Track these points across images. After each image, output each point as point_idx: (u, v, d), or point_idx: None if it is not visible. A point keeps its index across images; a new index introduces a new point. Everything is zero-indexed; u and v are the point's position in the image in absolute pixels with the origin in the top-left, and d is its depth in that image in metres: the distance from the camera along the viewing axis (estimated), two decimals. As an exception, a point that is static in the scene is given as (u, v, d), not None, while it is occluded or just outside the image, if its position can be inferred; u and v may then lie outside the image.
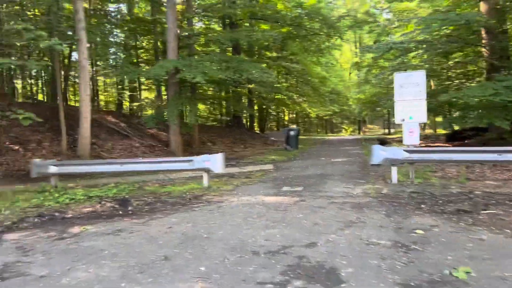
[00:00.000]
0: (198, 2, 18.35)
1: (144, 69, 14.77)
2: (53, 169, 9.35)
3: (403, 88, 8.57)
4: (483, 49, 12.90)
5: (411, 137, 8.62)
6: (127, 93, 30.03)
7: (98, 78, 28.29)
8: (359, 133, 54.27)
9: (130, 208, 7.36)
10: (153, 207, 7.40)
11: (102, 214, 6.97)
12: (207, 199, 7.84)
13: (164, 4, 16.53)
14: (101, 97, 32.77)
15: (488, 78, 12.55)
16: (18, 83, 24.87)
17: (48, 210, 7.38)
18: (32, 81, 24.64)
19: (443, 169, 10.34)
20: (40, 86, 23.22)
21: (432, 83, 23.43)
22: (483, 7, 13.23)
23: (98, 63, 27.68)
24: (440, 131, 40.38)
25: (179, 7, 20.13)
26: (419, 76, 8.44)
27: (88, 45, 14.82)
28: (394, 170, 8.48)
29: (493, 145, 10.65)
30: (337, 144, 25.04)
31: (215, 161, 8.80)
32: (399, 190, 7.84)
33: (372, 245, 4.54)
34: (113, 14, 24.58)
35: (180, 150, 15.70)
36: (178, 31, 15.68)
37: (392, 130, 46.68)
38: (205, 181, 9.04)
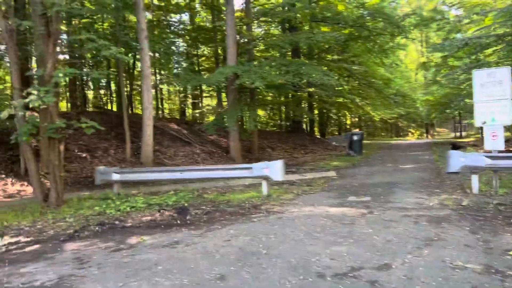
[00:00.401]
0: (257, 8, 18.12)
1: (205, 76, 14.80)
2: (115, 177, 9.48)
3: (484, 88, 7.61)
4: None
5: (494, 141, 7.63)
6: (190, 100, 30.70)
7: (161, 86, 29.20)
8: (426, 136, 51.37)
9: (188, 217, 7.17)
10: (211, 216, 7.14)
11: (160, 224, 6.83)
12: (267, 208, 7.45)
13: (224, 11, 16.54)
14: (165, 105, 33.78)
15: None
16: (90, 93, 26.35)
17: (109, 218, 7.40)
18: (102, 91, 25.95)
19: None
20: (108, 95, 24.33)
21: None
22: None
23: (161, 72, 28.59)
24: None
25: (238, 14, 20.19)
26: (503, 74, 7.45)
27: (151, 54, 15.21)
28: (474, 178, 7.55)
29: None
30: (404, 148, 23.64)
31: (275, 169, 8.40)
32: (482, 201, 6.93)
33: (458, 269, 3.87)
34: (176, 24, 25.23)
35: (240, 156, 15.52)
36: (237, 37, 15.57)
37: (463, 134, 43.54)
38: (265, 189, 8.67)
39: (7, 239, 6.28)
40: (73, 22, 13.60)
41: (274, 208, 7.42)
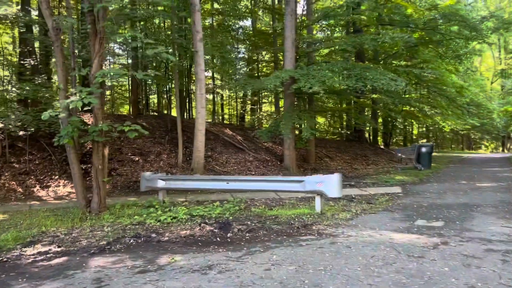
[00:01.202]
0: (321, 11, 17.14)
1: (261, 80, 14.10)
2: (161, 184, 9.02)
3: None
4: None
5: None
6: (249, 106, 30.29)
7: (220, 91, 29.09)
8: (502, 151, 47.03)
9: (229, 234, 6.43)
10: (255, 235, 6.35)
11: (198, 240, 6.16)
12: (319, 229, 6.51)
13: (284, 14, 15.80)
14: (225, 110, 33.67)
15: None
16: (154, 98, 26.81)
17: (147, 229, 6.88)
18: (164, 95, 26.29)
19: None
20: (167, 99, 24.49)
21: None
22: None
23: (220, 77, 28.49)
24: None
25: (298, 17, 19.38)
26: None
27: (207, 57, 14.83)
28: None
29: None
30: (479, 163, 21.34)
31: (330, 183, 7.43)
32: None
33: None
34: (237, 28, 24.96)
35: (294, 166, 14.62)
36: (296, 39, 14.75)
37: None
38: (318, 206, 7.72)
39: (38, 248, 5.93)
40: (128, 24, 13.56)
41: (327, 230, 6.47)
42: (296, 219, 7.29)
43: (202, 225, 6.97)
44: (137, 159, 13.62)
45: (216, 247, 5.69)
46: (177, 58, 8.83)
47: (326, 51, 26.84)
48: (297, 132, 16.63)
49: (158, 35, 14.79)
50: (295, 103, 15.55)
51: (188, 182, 9.22)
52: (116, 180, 12.44)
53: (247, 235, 6.37)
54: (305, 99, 15.48)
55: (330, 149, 20.95)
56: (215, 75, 27.47)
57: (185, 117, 21.02)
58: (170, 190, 9.94)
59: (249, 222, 7.20)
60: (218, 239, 6.20)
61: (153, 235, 6.54)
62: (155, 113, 21.96)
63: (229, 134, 17.61)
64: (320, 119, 35.55)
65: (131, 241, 6.20)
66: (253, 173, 13.95)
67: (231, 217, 7.65)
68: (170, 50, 8.44)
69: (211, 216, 7.72)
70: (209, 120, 23.10)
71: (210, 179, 8.89)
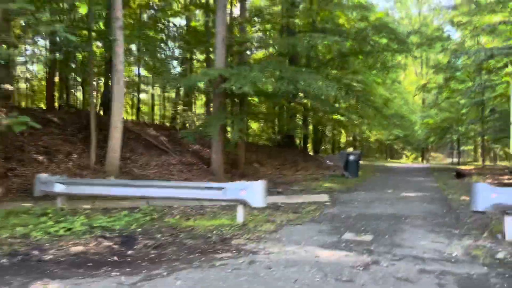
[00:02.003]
0: (255, 8, 16.48)
1: (190, 77, 13.07)
2: (59, 188, 7.66)
3: (527, 104, 5.98)
4: None
5: (537, 175, 5.95)
6: (181, 107, 28.94)
7: (150, 91, 27.43)
8: (422, 161, 49.96)
9: (131, 251, 5.38)
10: (162, 252, 5.35)
11: (90, 259, 5.03)
12: (238, 245, 5.67)
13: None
14: (157, 111, 31.87)
15: None
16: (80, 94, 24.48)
17: (29, 245, 5.59)
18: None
19: None
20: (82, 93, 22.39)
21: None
22: None
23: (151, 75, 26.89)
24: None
25: (233, 17, 18.66)
26: (554, 88, 5.82)
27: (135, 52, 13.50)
28: (508, 221, 5.85)
29: None
30: (403, 173, 22.00)
31: (254, 191, 6.65)
32: (523, 254, 5.22)
33: None
34: (170, 26, 23.60)
35: (222, 171, 13.76)
36: (228, 37, 13.95)
37: (456, 160, 41.91)
38: (240, 216, 6.89)
39: None
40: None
41: (247, 245, 5.64)
42: (215, 232, 6.39)
43: (99, 240, 5.82)
44: (41, 158, 11.92)
45: (109, 269, 4.61)
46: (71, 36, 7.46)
47: (261, 55, 26.44)
48: (229, 135, 15.81)
49: (70, 19, 13.16)
50: (226, 104, 14.77)
51: (93, 187, 7.95)
52: (12, 182, 10.69)
53: (152, 252, 5.36)
54: (235, 100, 14.71)
55: (261, 154, 20.39)
56: (147, 74, 25.86)
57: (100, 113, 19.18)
58: (70, 197, 8.57)
59: (159, 236, 6.17)
60: (115, 257, 5.11)
61: (35, 252, 5.29)
62: (70, 108, 19.93)
63: (153, 134, 16.31)
64: (254, 125, 35.15)
65: (3, 260, 4.92)
66: (176, 177, 12.85)
67: (139, 229, 6.57)
68: (66, 28, 7.13)
69: (115, 227, 6.58)
70: (132, 119, 21.52)
71: (119, 184, 7.70)
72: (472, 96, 26.70)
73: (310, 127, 34.67)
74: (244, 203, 6.82)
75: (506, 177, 16.55)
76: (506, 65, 13.00)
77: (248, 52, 24.37)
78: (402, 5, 55.15)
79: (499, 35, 17.75)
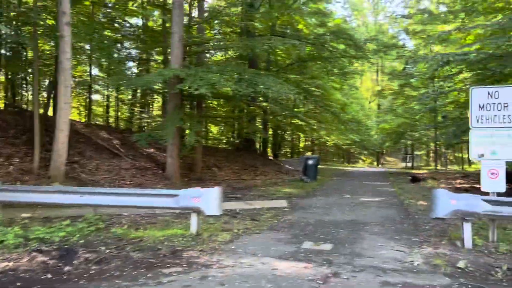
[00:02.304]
0: (212, 11, 15.99)
1: (144, 77, 12.38)
2: (-9, 195, 6.88)
3: (484, 111, 5.96)
4: None
5: (494, 181, 5.94)
6: (137, 109, 27.93)
7: (105, 92, 26.22)
8: (377, 165, 51.26)
9: (68, 267, 4.81)
10: (105, 268, 4.83)
11: (20, 277, 4.44)
12: (190, 258, 5.23)
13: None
14: (112, 112, 30.57)
15: None
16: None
17: None
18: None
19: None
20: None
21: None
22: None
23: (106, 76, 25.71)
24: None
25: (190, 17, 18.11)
26: (509, 94, 5.82)
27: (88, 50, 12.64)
28: (467, 228, 5.78)
29: None
30: (360, 177, 22.24)
31: (209, 199, 6.23)
32: (482, 262, 5.13)
33: None
34: (126, 26, 22.62)
35: (177, 176, 13.19)
36: (185, 37, 13.46)
37: (409, 164, 43.37)
38: (193, 225, 6.44)
39: None
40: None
41: (200, 258, 5.21)
42: (165, 243, 5.92)
43: (33, 254, 5.19)
44: (-24, 162, 10.89)
45: (40, 290, 4.05)
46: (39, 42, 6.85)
47: (220, 57, 26.02)
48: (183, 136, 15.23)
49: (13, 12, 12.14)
50: (183, 106, 14.26)
51: (33, 193, 7.21)
52: None
53: (93, 268, 4.82)
54: (193, 103, 14.22)
55: (220, 158, 19.94)
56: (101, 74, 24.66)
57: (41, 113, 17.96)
58: (14, 204, 7.78)
59: (103, 248, 5.62)
60: (49, 275, 4.55)
61: (-49, 272, 4.61)
62: (14, 108, 18.57)
63: (105, 137, 15.47)
64: (214, 128, 34.59)
65: None
66: (127, 182, 12.17)
67: (81, 241, 5.98)
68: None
69: (54, 239, 5.95)
70: (83, 120, 20.41)
71: (62, 191, 7.00)
72: (426, 103, 27.63)
73: (270, 131, 34.60)
74: (198, 211, 6.39)
75: (458, 181, 17.04)
76: (460, 72, 13.37)
77: (208, 55, 23.96)
78: (359, 13, 56.59)
79: (452, 43, 18.34)
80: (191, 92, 10.88)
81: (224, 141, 33.92)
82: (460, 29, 10.65)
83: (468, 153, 35.65)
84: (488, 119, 5.90)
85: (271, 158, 30.00)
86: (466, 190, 13.64)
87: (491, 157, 5.91)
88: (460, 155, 42.39)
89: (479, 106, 5.96)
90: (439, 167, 36.00)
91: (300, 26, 26.87)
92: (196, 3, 15.72)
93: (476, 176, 18.79)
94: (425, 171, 28.93)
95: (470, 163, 41.81)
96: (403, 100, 33.09)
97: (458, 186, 15.03)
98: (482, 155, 5.98)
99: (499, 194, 5.98)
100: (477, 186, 15.04)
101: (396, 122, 36.06)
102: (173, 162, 13.10)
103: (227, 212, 8.82)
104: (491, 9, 12.31)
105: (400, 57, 30.65)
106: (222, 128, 33.84)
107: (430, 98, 22.41)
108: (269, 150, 35.19)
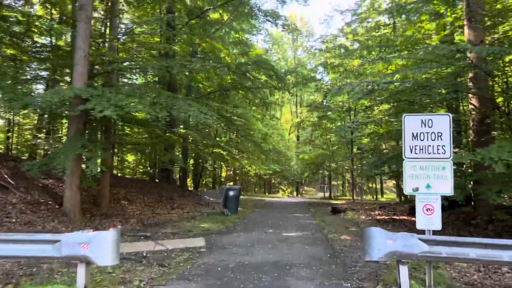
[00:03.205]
0: (126, 29, 14.72)
1: (36, 96, 10.55)
2: None
3: (418, 140, 5.48)
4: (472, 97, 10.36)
5: (429, 218, 5.42)
6: (43, 134, 24.95)
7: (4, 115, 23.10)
8: (297, 195, 51.94)
9: None
10: None
11: None
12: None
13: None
14: (14, 139, 27.00)
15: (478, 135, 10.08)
16: None
17: None
18: None
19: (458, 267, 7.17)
20: None
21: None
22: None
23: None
24: (390, 196, 38.87)
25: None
26: (442, 122, 5.42)
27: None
28: (404, 271, 5.12)
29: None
30: (281, 208, 21.70)
31: (101, 245, 4.92)
32: (424, 313, 4.45)
33: None
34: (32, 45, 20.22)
35: (78, 212, 11.37)
36: (89, 53, 12.03)
37: (327, 194, 44.42)
38: (80, 280, 5.03)
39: None
40: None
41: (80, 331, 3.88)
42: (36, 308, 4.47)
43: None
44: None
45: None
46: None
47: (140, 81, 24.48)
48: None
49: None
50: (90, 130, 12.61)
51: None
52: None
53: None
54: (97, 127, 12.65)
55: (133, 190, 18.15)
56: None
57: None
58: None
59: None
60: None
61: None
62: None
63: (-9, 166, 13.10)
64: (130, 157, 32.34)
65: None
66: (13, 220, 10.13)
67: None
68: None
69: None
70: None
71: None
72: (342, 136, 28.41)
73: (191, 160, 33.20)
74: (88, 262, 5.02)
75: (376, 212, 17.12)
76: (381, 103, 13.56)
77: (126, 80, 22.33)
78: (279, 47, 58.48)
79: (368, 77, 18.96)
80: (93, 114, 9.43)
81: (142, 171, 31.81)
82: (382, 59, 10.68)
83: (381, 184, 37.27)
84: (422, 149, 5.44)
85: (191, 189, 28.55)
86: (386, 222, 13.56)
87: (426, 191, 5.41)
88: (374, 185, 44.38)
89: (413, 135, 5.49)
90: (355, 197, 37.10)
91: (222, 55, 26.49)
92: (108, 19, 14.34)
93: (391, 207, 19.17)
94: (343, 201, 29.40)
95: (382, 193, 43.96)
96: (322, 131, 33.91)
97: (379, 217, 14.98)
98: (417, 189, 5.46)
99: (434, 232, 5.46)
100: (396, 217, 15.18)
101: (315, 153, 36.80)
102: (72, 195, 11.28)
103: (131, 256, 7.47)
104: (408, 43, 12.81)
105: (319, 90, 31.62)
106: (139, 157, 31.79)
107: (347, 130, 22.93)
108: (189, 180, 33.67)
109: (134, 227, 11.76)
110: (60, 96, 9.48)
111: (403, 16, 21.47)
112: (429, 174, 5.41)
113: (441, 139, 5.37)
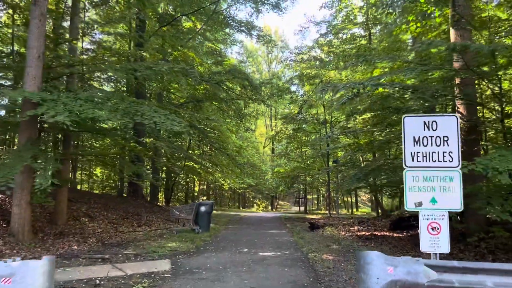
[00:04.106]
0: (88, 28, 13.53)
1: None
2: None
3: (420, 146, 4.66)
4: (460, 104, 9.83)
5: (435, 238, 4.56)
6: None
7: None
8: (272, 209, 51.00)
9: None
10: None
11: None
12: None
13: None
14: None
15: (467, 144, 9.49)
16: None
17: None
18: None
19: None
20: None
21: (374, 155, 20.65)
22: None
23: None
24: (365, 210, 38.40)
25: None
26: (449, 125, 4.62)
27: None
28: (406, 304, 4.22)
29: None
30: (256, 224, 20.65)
31: (27, 279, 3.82)
32: None
33: None
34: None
35: (28, 231, 10.02)
36: (44, 53, 10.86)
37: (302, 208, 43.65)
38: (-1, 325, 3.90)
39: None
40: None
41: None
42: None
43: None
44: None
45: None
46: None
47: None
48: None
49: None
50: (45, 139, 11.36)
51: None
52: None
53: None
54: (54, 136, 11.42)
55: (95, 206, 16.75)
56: None
57: None
58: None
59: None
60: None
61: None
62: None
63: None
64: (98, 170, 30.71)
65: None
66: None
67: None
68: None
69: None
70: None
71: None
72: (318, 148, 27.77)
73: (163, 174, 31.79)
74: (10, 300, 3.89)
75: (356, 227, 16.34)
76: (365, 110, 12.90)
77: (94, 85, 21.01)
78: (254, 60, 58.09)
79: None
80: (45, 119, 8.28)
81: (112, 185, 30.15)
82: (367, 60, 10.01)
83: (356, 198, 36.83)
84: (425, 156, 4.62)
85: (161, 204, 27.13)
86: (368, 239, 12.76)
87: (431, 207, 4.58)
88: (349, 199, 43.96)
89: (414, 140, 4.68)
90: (331, 211, 36.48)
91: (195, 64, 25.61)
92: (67, 17, 13.18)
93: (370, 222, 18.45)
94: (319, 216, 28.64)
95: (357, 207, 43.55)
96: (297, 144, 33.27)
97: (359, 233, 14.17)
98: (420, 204, 4.62)
99: (441, 256, 4.61)
100: (377, 233, 14.42)
101: (290, 166, 36.10)
102: (21, 212, 9.94)
103: (81, 285, 6.30)
104: (390, 50, 12.29)
105: (294, 102, 31.05)
106: (107, 171, 30.16)
107: (326, 140, 22.35)
108: (161, 195, 32.20)
109: (92, 247, 10.49)
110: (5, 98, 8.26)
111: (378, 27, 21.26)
112: (434, 186, 4.58)
113: (448, 145, 4.58)
